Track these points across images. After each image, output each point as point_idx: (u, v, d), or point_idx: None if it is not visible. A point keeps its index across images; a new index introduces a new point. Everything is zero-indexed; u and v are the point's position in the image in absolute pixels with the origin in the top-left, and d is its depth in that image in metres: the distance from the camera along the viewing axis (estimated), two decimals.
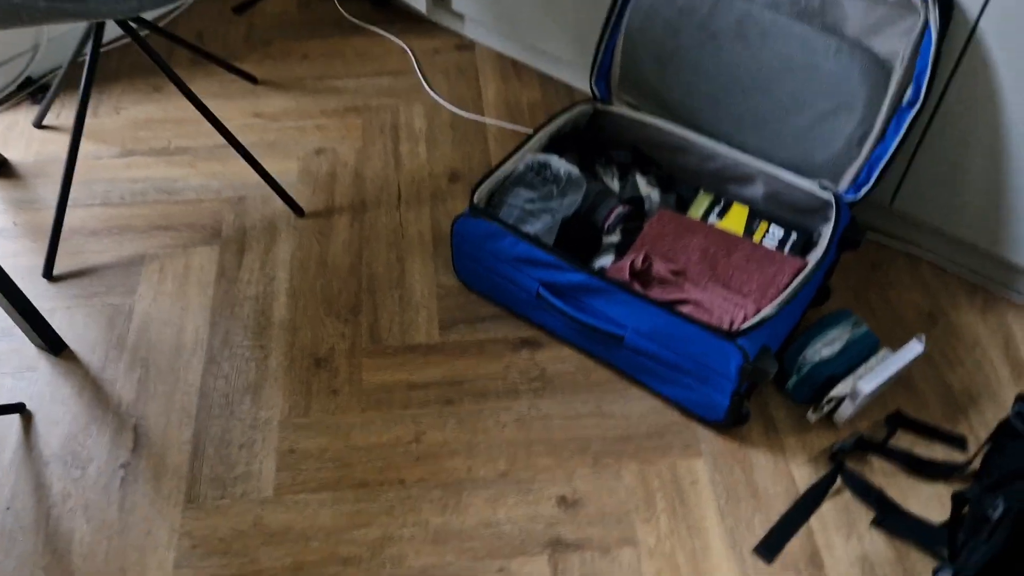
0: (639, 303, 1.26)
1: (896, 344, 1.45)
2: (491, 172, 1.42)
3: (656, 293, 1.34)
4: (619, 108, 1.56)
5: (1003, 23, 1.26)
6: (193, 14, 2.08)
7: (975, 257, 1.55)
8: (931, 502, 1.28)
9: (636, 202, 1.50)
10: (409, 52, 1.98)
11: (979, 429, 1.36)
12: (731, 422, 1.30)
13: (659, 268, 1.37)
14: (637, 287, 1.33)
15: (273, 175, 1.68)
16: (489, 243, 1.37)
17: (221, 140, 1.75)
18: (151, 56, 1.55)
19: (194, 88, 1.87)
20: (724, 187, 1.52)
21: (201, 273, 1.52)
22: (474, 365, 1.41)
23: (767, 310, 1.23)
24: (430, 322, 1.47)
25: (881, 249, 1.60)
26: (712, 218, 1.48)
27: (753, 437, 1.33)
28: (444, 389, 1.38)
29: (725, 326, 1.27)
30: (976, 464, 1.30)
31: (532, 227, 1.40)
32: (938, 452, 1.34)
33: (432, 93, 1.88)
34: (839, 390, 1.30)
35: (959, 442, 1.34)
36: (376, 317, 1.47)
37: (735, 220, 1.47)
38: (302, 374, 1.39)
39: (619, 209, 1.45)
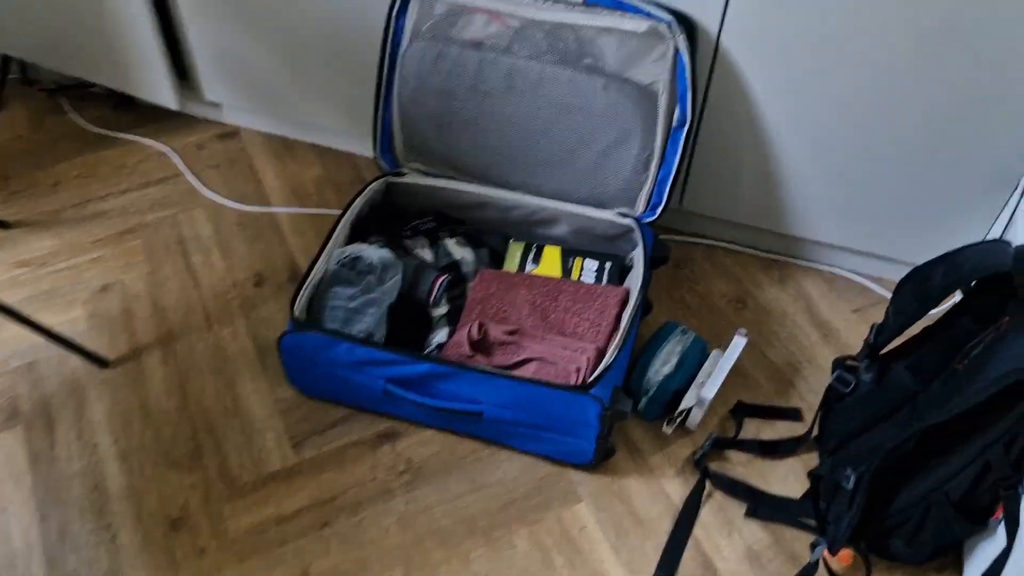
0: (489, 378, 1.28)
1: (720, 336, 1.56)
2: (304, 279, 1.37)
3: (499, 359, 1.36)
4: (411, 178, 1.56)
5: (740, 37, 1.38)
6: None
7: (762, 236, 1.69)
8: (788, 477, 1.39)
9: (453, 267, 1.50)
10: (171, 153, 1.86)
11: (808, 396, 1.50)
12: (600, 460, 1.35)
13: (495, 332, 1.38)
14: (480, 359, 1.35)
15: (58, 330, 1.53)
16: (322, 353, 1.33)
17: None
18: None
19: None
20: (532, 232, 1.56)
21: (10, 464, 1.37)
22: (339, 476, 1.37)
23: (609, 356, 1.28)
24: (280, 444, 1.40)
25: (681, 247, 1.70)
26: (529, 266, 1.52)
27: (622, 466, 1.39)
28: (317, 511, 1.33)
29: (573, 378, 1.31)
30: (816, 431, 1.43)
31: (361, 325, 1.37)
32: (781, 429, 1.46)
33: (209, 193, 1.78)
34: (686, 402, 1.38)
35: (795, 414, 1.47)
36: (222, 455, 1.39)
37: (551, 263, 1.51)
38: (161, 543, 1.29)
39: (440, 280, 1.46)
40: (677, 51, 1.36)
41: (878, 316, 1.60)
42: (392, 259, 1.44)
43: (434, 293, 1.45)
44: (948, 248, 1.54)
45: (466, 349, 1.35)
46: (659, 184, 1.45)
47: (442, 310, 1.46)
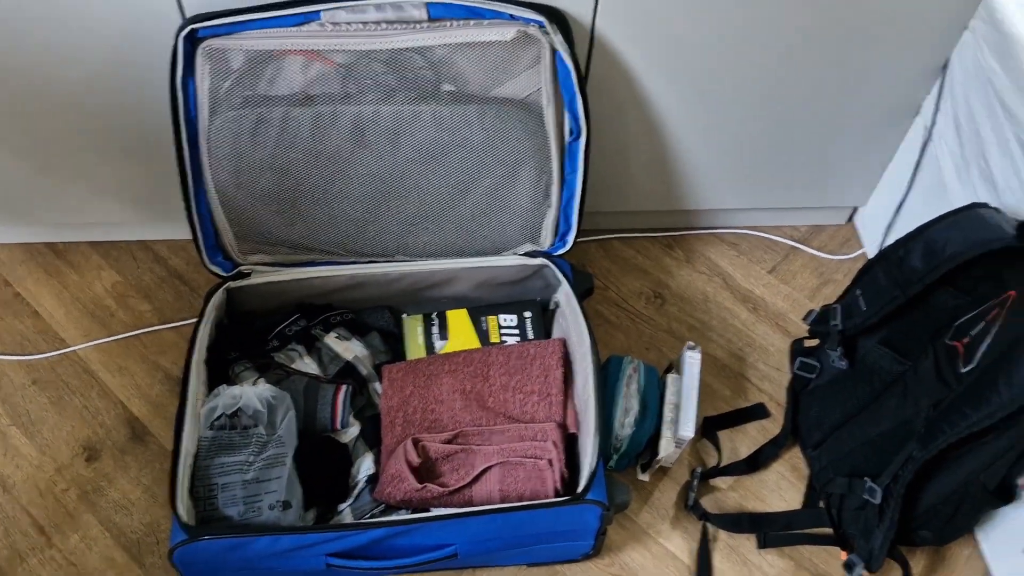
0: (458, 521, 1.03)
1: (660, 347, 1.39)
2: (174, 466, 1.03)
3: (451, 478, 1.11)
4: (259, 276, 1.22)
5: (615, 20, 1.15)
6: None
7: (653, 216, 1.52)
8: (781, 485, 1.27)
9: (348, 372, 1.21)
10: None
11: (763, 384, 1.37)
12: (599, 551, 1.16)
13: (434, 447, 1.13)
14: (432, 488, 1.08)
15: None
16: (235, 554, 1.01)
17: None
18: None
19: None
20: (423, 297, 1.28)
21: None
22: None
23: (591, 449, 1.06)
24: None
25: (574, 251, 1.48)
26: (438, 344, 1.25)
27: (613, 539, 1.21)
28: None
29: (550, 480, 1.09)
30: (789, 424, 1.31)
31: (270, 497, 1.06)
32: (752, 431, 1.33)
33: None
34: (665, 449, 1.21)
35: (762, 411, 1.34)
36: None
37: (461, 332, 1.25)
38: None
39: (341, 395, 1.16)
40: (555, 53, 1.11)
41: (794, 271, 1.51)
42: (277, 393, 1.12)
43: (339, 415, 1.16)
44: (850, 184, 1.46)
45: (412, 482, 1.08)
46: (564, 210, 1.22)
47: (354, 431, 1.17)
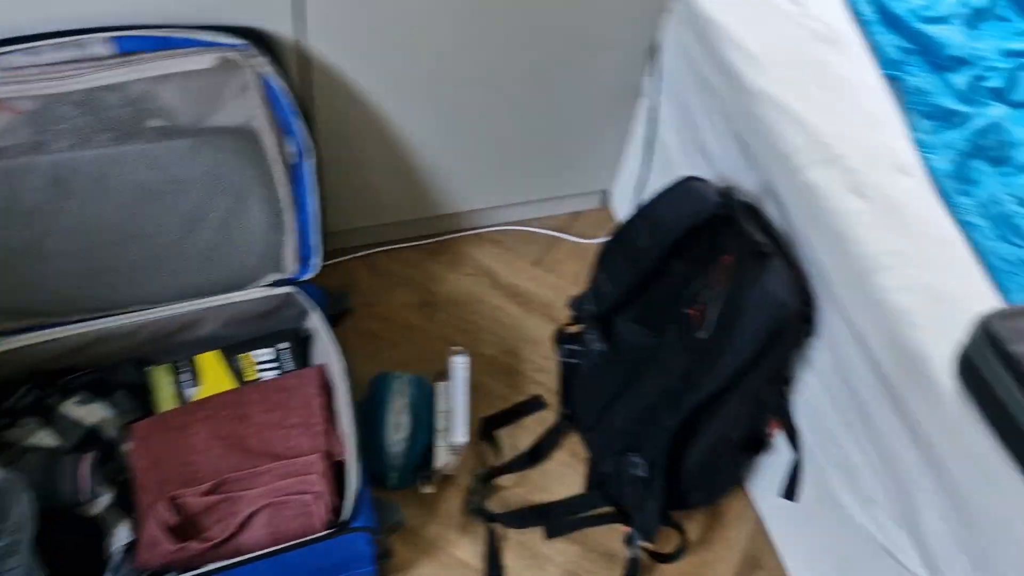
0: (221, 575, 0.98)
1: (433, 357, 1.37)
2: None
3: (216, 530, 1.05)
4: None
5: (326, 37, 1.13)
6: None
7: (413, 224, 1.51)
8: (565, 473, 1.30)
9: (92, 439, 1.12)
10: None
11: (538, 375, 1.39)
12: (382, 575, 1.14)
13: (193, 501, 1.06)
14: (192, 545, 1.02)
15: None
16: None
17: None
18: None
19: None
20: (171, 344, 1.21)
21: None
22: None
23: (354, 474, 1.03)
24: None
25: (336, 271, 1.45)
26: (190, 391, 1.18)
27: (402, 559, 1.19)
28: None
29: (316, 514, 1.05)
30: (564, 411, 1.34)
31: None
32: (532, 423, 1.34)
33: None
34: (441, 461, 1.20)
35: (539, 404, 1.36)
36: None
37: (214, 375, 1.19)
38: None
39: (83, 466, 1.08)
40: (262, 76, 1.07)
41: (558, 259, 1.55)
42: (6, 475, 1.02)
43: (85, 486, 1.07)
44: (594, 168, 1.52)
45: (166, 545, 1.02)
46: (303, 233, 1.19)
47: (105, 500, 1.09)
